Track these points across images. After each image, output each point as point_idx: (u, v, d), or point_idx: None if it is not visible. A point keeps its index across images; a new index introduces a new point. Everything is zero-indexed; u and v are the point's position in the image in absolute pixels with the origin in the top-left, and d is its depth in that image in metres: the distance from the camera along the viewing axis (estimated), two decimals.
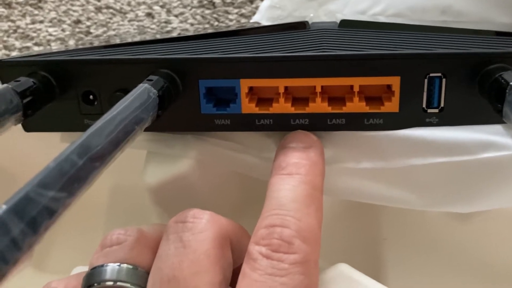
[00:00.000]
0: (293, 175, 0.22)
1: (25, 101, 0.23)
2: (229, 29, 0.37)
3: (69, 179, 0.15)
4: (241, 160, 0.28)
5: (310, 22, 0.33)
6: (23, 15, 0.58)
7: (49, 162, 0.15)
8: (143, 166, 0.29)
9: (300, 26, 0.32)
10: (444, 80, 0.24)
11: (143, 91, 0.21)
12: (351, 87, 0.25)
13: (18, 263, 0.12)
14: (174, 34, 0.44)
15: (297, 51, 0.25)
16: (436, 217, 0.31)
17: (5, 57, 0.50)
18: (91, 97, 0.26)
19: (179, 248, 0.20)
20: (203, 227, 0.21)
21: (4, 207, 0.12)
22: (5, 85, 0.23)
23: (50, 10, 0.58)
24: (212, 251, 0.20)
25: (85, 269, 0.32)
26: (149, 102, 0.21)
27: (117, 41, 0.39)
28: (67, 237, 0.39)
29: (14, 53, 0.54)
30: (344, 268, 0.23)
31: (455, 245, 0.32)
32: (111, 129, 0.18)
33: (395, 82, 0.25)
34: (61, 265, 0.36)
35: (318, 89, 0.25)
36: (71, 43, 0.54)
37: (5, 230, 0.12)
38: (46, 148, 0.27)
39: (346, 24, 0.31)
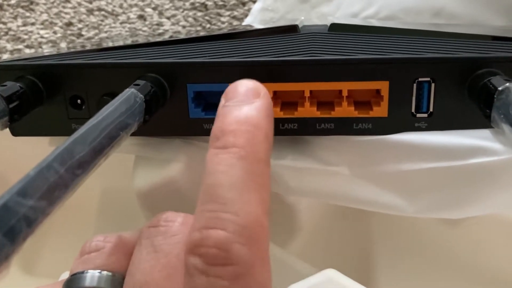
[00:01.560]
0: (229, 148, 0.19)
1: (11, 105, 0.23)
2: (220, 32, 0.37)
3: (50, 187, 0.14)
4: None
5: (301, 26, 0.33)
6: (15, 17, 0.57)
7: (29, 170, 0.14)
8: (132, 171, 0.29)
9: (291, 29, 0.32)
10: (433, 84, 0.24)
11: (129, 96, 0.21)
12: (340, 91, 0.25)
13: None
14: (166, 37, 0.44)
15: (286, 55, 0.25)
16: (426, 222, 0.31)
17: None
18: (78, 101, 0.26)
19: (150, 253, 0.20)
20: (175, 230, 0.20)
21: None
22: None
23: (41, 12, 0.57)
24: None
25: None
26: (135, 107, 0.21)
27: (109, 44, 0.39)
28: (57, 240, 0.38)
29: (6, 56, 0.54)
30: (331, 274, 0.23)
31: (445, 249, 0.31)
32: (95, 135, 0.18)
33: (383, 86, 0.24)
34: (50, 268, 0.36)
35: (307, 94, 0.25)
36: (63, 45, 0.54)
37: None
38: (34, 152, 0.27)
39: (336, 27, 0.31)
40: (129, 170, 0.30)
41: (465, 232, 0.30)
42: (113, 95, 0.25)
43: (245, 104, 0.20)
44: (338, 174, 0.26)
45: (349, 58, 0.24)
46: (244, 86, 0.21)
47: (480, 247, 0.31)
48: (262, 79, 0.25)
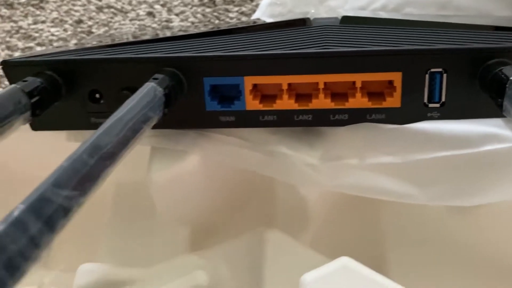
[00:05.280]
0: None
1: (33, 100, 0.23)
2: (231, 26, 0.37)
3: (82, 178, 0.15)
4: (245, 155, 0.28)
5: (311, 19, 0.34)
6: (25, 16, 0.58)
7: (62, 162, 0.15)
8: (148, 162, 0.30)
9: (301, 23, 0.32)
10: (445, 75, 0.25)
11: (149, 90, 0.22)
12: (354, 83, 0.25)
13: (37, 261, 0.12)
14: (175, 30, 0.44)
15: (299, 48, 0.26)
16: (437, 211, 0.32)
17: (8, 57, 0.50)
18: (97, 95, 0.27)
19: None
20: None
21: (22, 206, 0.12)
22: (13, 85, 0.23)
23: (51, 10, 0.58)
24: None
25: (90, 267, 0.32)
26: (155, 101, 0.22)
27: (116, 40, 0.40)
28: (72, 234, 0.39)
29: (17, 54, 0.54)
30: (346, 261, 0.23)
31: (456, 239, 0.32)
32: (119, 128, 0.18)
33: (396, 77, 0.25)
34: (66, 262, 0.36)
35: (321, 86, 0.25)
36: (73, 43, 0.55)
37: (24, 229, 0.12)
38: (53, 146, 0.27)
39: (347, 20, 0.32)
40: (144, 162, 0.30)
41: (477, 220, 0.31)
42: (131, 89, 0.25)
43: None
44: (351, 165, 0.27)
45: (363, 50, 0.25)
46: None
47: (492, 235, 0.31)
48: (276, 72, 0.25)
